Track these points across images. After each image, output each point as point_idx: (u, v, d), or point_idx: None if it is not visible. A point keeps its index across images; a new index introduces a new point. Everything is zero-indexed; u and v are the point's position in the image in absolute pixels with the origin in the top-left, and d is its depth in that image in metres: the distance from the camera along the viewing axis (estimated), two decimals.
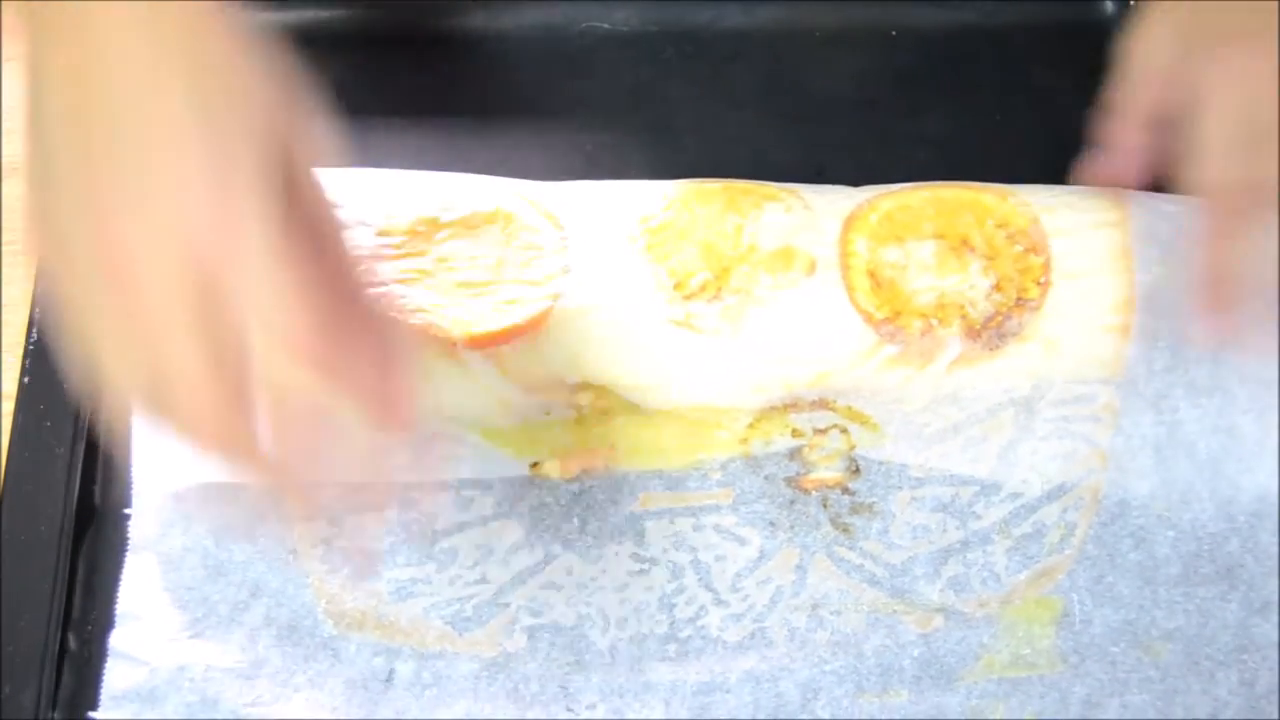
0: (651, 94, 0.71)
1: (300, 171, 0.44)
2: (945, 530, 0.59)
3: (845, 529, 0.60)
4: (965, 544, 0.59)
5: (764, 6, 0.72)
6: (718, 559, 0.59)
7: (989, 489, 0.60)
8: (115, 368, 0.43)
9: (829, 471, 0.60)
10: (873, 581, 0.59)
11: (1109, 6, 0.73)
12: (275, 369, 0.42)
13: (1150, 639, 0.58)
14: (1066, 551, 0.59)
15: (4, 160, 0.67)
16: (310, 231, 0.44)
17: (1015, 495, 0.60)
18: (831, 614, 0.59)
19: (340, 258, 0.46)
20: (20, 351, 0.63)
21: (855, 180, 0.64)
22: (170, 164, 0.42)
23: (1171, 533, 0.59)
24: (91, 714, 0.56)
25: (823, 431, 0.60)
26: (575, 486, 0.60)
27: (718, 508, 0.60)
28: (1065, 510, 0.60)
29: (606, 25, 0.72)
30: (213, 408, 0.42)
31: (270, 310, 0.42)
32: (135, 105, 0.42)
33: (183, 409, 0.42)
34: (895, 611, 0.59)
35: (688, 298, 0.60)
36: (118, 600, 0.57)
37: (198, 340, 0.42)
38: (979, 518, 0.60)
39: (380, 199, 0.61)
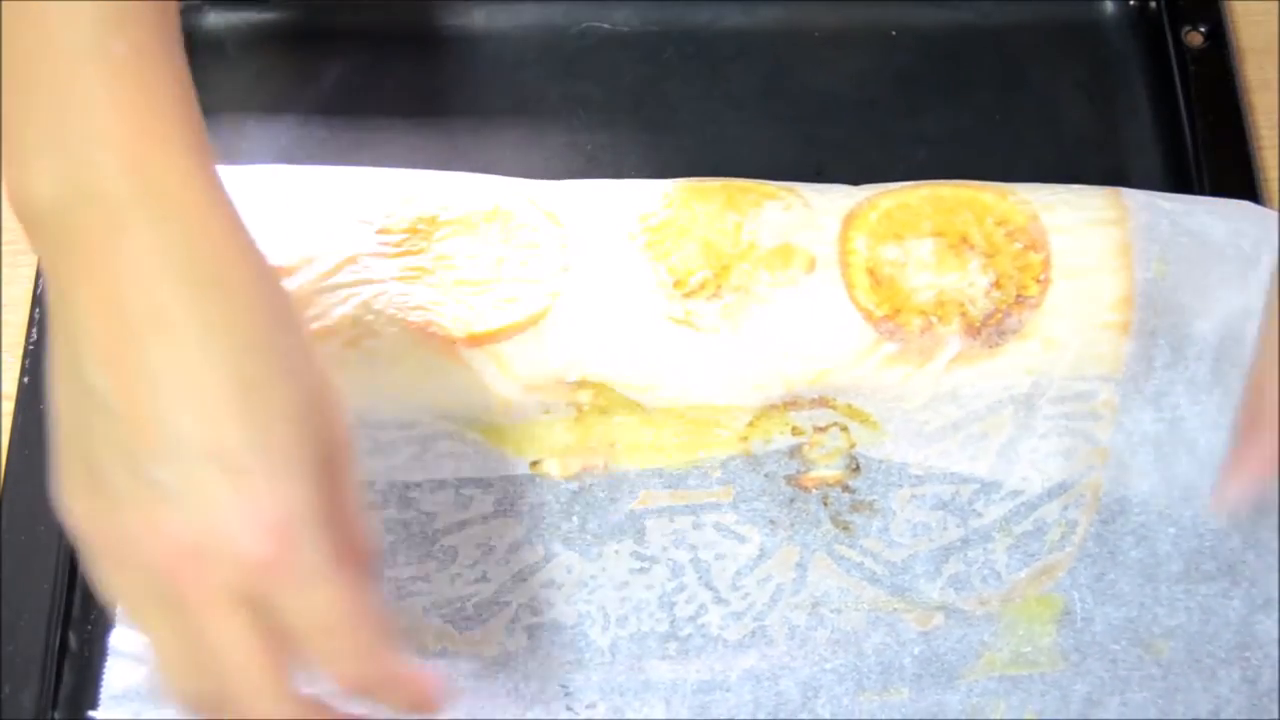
0: (651, 94, 0.71)
1: (331, 421, 0.44)
2: (945, 528, 0.59)
3: (845, 527, 0.59)
4: (965, 542, 0.59)
5: (764, 6, 0.72)
6: (718, 557, 0.59)
7: (989, 487, 0.60)
8: (172, 670, 0.43)
9: (829, 469, 0.60)
10: (873, 579, 0.59)
11: (1109, 6, 0.73)
12: (340, 683, 0.43)
13: (1152, 636, 0.58)
14: (1067, 549, 0.59)
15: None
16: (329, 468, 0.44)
17: (1015, 493, 0.60)
18: (832, 612, 0.58)
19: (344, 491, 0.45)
20: (20, 351, 0.63)
21: (855, 179, 0.64)
22: (219, 457, 0.41)
23: (1172, 530, 0.59)
24: (91, 713, 0.56)
25: (823, 429, 0.60)
26: (575, 485, 0.60)
27: (718, 506, 0.60)
28: (1066, 508, 0.59)
29: (606, 25, 0.72)
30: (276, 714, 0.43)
31: (327, 634, 0.42)
32: (179, 386, 0.41)
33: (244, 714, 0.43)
34: (896, 609, 0.59)
35: (687, 295, 0.60)
36: None
37: (251, 652, 0.42)
38: (979, 515, 0.59)
39: (380, 197, 0.61)
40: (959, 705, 0.57)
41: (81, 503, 0.43)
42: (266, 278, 0.44)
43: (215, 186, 0.43)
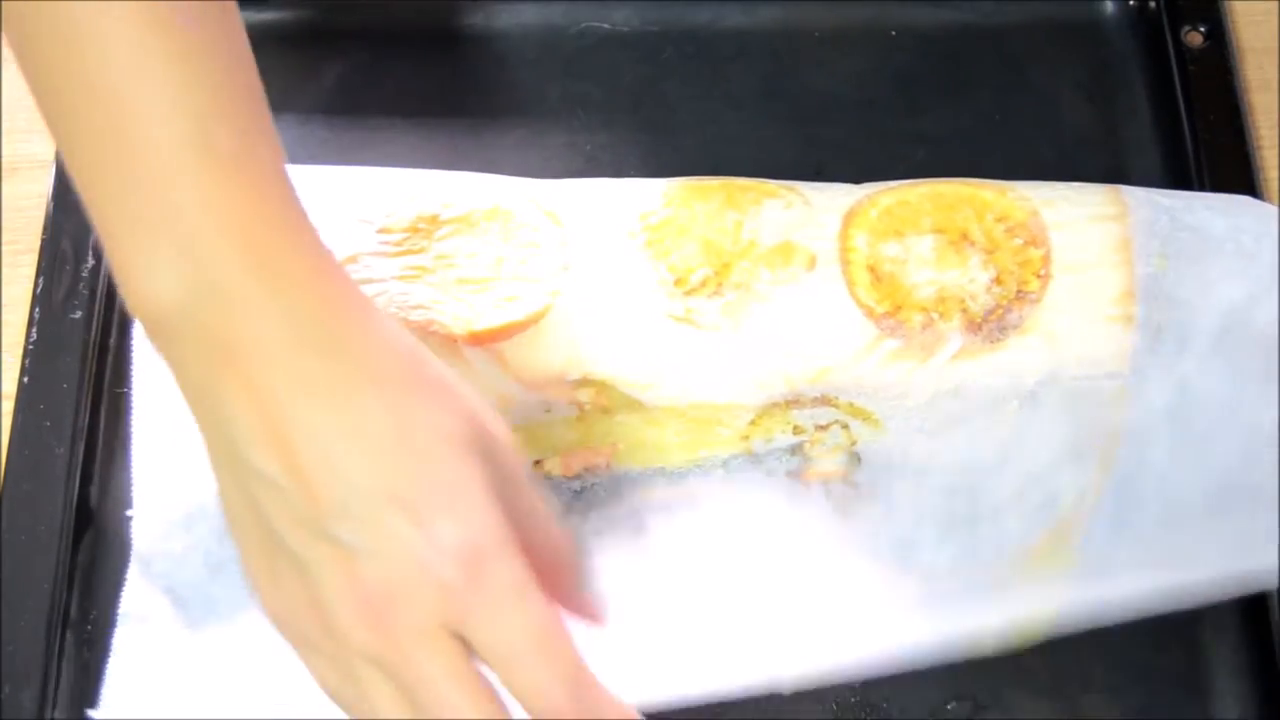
0: (651, 94, 0.71)
1: (494, 445, 0.45)
2: (953, 508, 0.59)
3: (848, 513, 0.59)
4: (974, 519, 0.58)
5: (764, 6, 0.72)
6: (719, 552, 0.59)
7: (997, 469, 0.59)
8: None
9: (831, 465, 0.60)
10: (876, 555, 0.58)
11: (1109, 6, 0.73)
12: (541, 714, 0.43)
13: (1172, 577, 0.57)
14: (1081, 511, 0.58)
15: (4, 160, 0.67)
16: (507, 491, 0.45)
17: (1026, 473, 0.59)
18: (833, 592, 0.58)
19: (528, 508, 0.46)
20: (20, 351, 0.63)
21: (854, 179, 0.64)
22: (394, 500, 0.42)
23: (1194, 474, 0.58)
24: (91, 713, 0.56)
25: (824, 428, 0.60)
26: (577, 484, 0.60)
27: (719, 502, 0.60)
28: (1079, 474, 0.59)
29: (606, 25, 0.72)
30: None
31: (525, 658, 0.42)
32: (340, 444, 0.42)
33: None
34: (900, 582, 0.58)
35: (688, 293, 0.60)
36: (121, 599, 0.57)
37: (476, 685, 0.42)
38: (990, 493, 0.58)
39: (381, 197, 0.61)
40: (962, 644, 0.56)
41: (272, 592, 0.44)
42: (390, 327, 0.45)
43: (323, 254, 0.44)
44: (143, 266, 0.42)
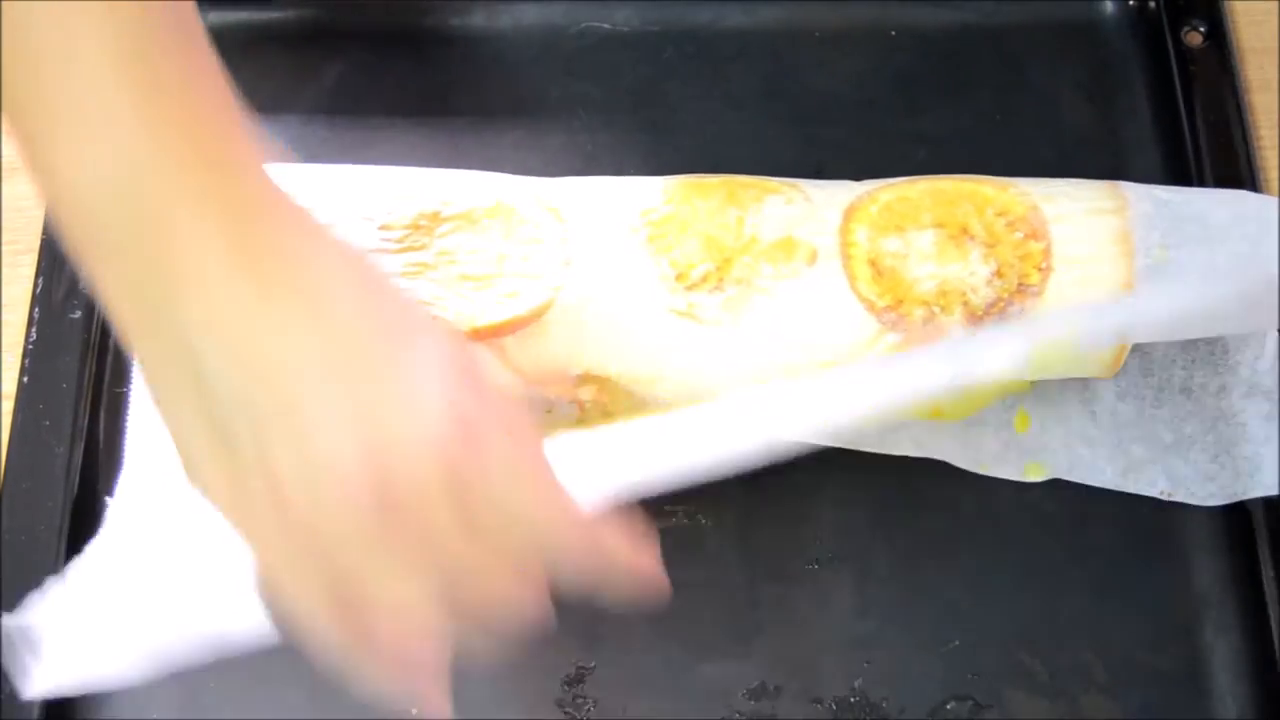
0: (651, 94, 0.71)
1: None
2: None
3: None
4: None
5: (764, 6, 0.73)
6: None
7: None
8: (442, 611, 0.42)
9: None
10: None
11: (1109, 6, 0.74)
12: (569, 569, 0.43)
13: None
14: None
15: (4, 160, 0.67)
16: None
17: None
18: None
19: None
20: (20, 351, 0.63)
21: (854, 179, 0.64)
22: (383, 368, 0.41)
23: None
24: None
25: None
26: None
27: None
28: None
29: (607, 25, 0.72)
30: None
31: (546, 511, 0.43)
32: (303, 318, 0.41)
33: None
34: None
35: (690, 288, 0.60)
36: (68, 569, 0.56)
37: (466, 546, 0.42)
38: None
39: (382, 194, 0.61)
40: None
41: (215, 469, 0.42)
42: (330, 233, 0.44)
43: (265, 174, 0.43)
44: (68, 154, 0.40)
